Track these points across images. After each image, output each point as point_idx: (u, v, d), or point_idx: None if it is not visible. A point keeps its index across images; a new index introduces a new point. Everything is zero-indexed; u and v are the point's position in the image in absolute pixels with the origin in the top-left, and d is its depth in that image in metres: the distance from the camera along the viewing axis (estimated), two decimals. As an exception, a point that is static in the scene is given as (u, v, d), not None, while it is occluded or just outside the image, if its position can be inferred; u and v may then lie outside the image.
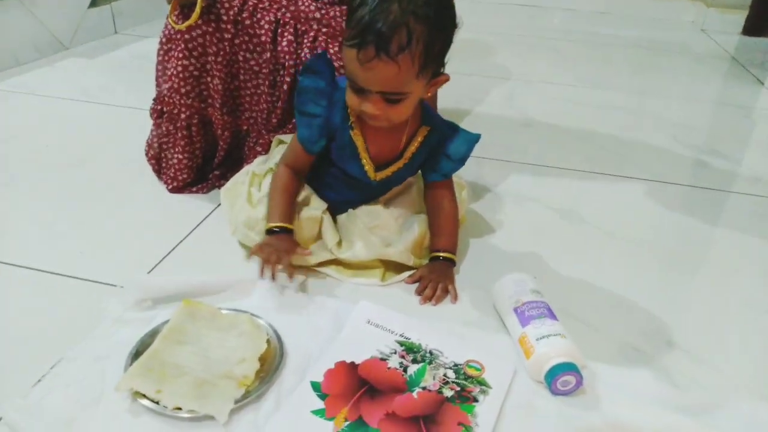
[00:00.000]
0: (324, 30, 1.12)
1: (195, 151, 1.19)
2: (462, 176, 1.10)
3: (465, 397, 0.76)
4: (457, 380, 0.78)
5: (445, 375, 0.79)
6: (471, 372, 0.80)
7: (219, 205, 1.13)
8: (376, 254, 0.99)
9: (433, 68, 0.86)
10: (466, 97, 1.82)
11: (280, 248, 0.92)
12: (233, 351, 0.80)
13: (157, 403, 0.72)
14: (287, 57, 1.11)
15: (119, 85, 1.77)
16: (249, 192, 1.04)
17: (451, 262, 1.00)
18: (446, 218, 1.02)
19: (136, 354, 0.78)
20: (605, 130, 1.66)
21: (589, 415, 0.76)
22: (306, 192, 1.03)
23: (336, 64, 1.09)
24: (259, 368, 0.78)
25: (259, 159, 1.14)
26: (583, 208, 1.26)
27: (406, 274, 1.00)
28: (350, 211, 1.03)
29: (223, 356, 0.79)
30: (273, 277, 0.93)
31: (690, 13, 3.04)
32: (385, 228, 1.02)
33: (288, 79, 1.12)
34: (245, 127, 1.21)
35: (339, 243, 1.00)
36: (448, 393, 0.76)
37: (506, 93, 1.91)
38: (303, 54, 1.12)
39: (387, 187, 1.05)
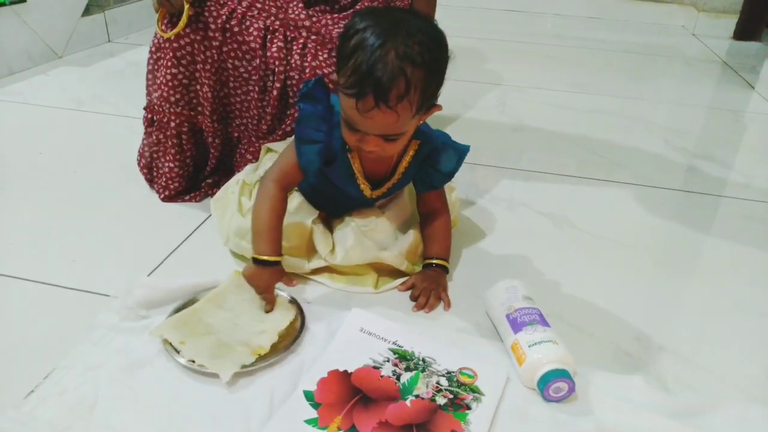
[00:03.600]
0: (313, 37, 1.13)
1: (186, 160, 1.20)
2: (453, 180, 1.10)
3: (458, 405, 0.76)
4: (450, 388, 0.79)
5: (438, 383, 0.79)
6: (464, 379, 0.80)
7: (211, 215, 1.13)
8: (371, 257, 0.99)
9: (429, 104, 0.86)
10: (459, 103, 1.83)
11: (265, 284, 0.91)
12: (259, 323, 0.87)
13: (178, 352, 0.81)
14: (277, 63, 1.11)
15: (113, 93, 1.77)
16: (239, 201, 1.04)
17: (444, 269, 1.00)
18: (439, 225, 1.02)
19: (177, 310, 0.88)
20: (597, 135, 1.67)
21: (582, 421, 0.76)
22: (297, 200, 1.03)
23: (327, 73, 1.10)
24: (277, 342, 0.84)
25: (249, 167, 1.15)
26: (575, 213, 1.26)
27: (399, 281, 1.00)
28: (345, 216, 1.03)
29: (248, 325, 0.87)
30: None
31: (681, 18, 3.05)
32: (380, 232, 1.02)
33: (278, 85, 1.12)
34: (236, 135, 1.21)
35: (332, 250, 1.01)
36: (441, 401, 0.77)
37: (498, 98, 1.91)
38: (293, 60, 1.12)
39: (383, 199, 1.05)
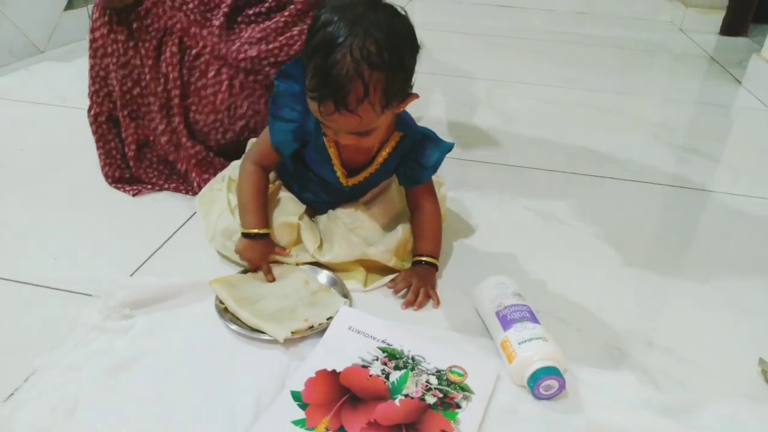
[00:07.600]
0: (209, 50, 1.11)
1: (111, 151, 1.22)
2: (441, 175, 1.09)
3: (448, 404, 0.75)
4: (439, 386, 0.78)
5: (427, 381, 0.78)
6: (454, 378, 0.79)
7: (195, 213, 1.12)
8: (358, 254, 0.98)
9: (399, 99, 0.85)
10: (447, 98, 1.81)
11: (259, 255, 0.95)
12: (310, 296, 0.93)
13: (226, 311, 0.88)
14: (170, 69, 1.12)
15: (96, 89, 1.74)
16: (228, 199, 1.02)
17: (434, 267, 0.99)
18: (428, 222, 1.01)
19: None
20: (585, 131, 1.66)
21: (572, 418, 0.76)
22: (283, 195, 1.01)
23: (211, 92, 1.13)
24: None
25: (235, 164, 1.12)
26: (563, 208, 1.26)
27: (388, 278, 0.99)
28: (330, 212, 1.02)
29: (300, 298, 0.92)
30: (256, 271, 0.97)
31: (668, 13, 3.06)
32: (366, 229, 1.01)
33: (177, 93, 1.13)
34: (151, 138, 1.20)
35: (320, 246, 0.99)
36: (430, 400, 0.76)
37: (486, 94, 1.90)
38: (185, 73, 1.12)
39: (362, 190, 1.03)
